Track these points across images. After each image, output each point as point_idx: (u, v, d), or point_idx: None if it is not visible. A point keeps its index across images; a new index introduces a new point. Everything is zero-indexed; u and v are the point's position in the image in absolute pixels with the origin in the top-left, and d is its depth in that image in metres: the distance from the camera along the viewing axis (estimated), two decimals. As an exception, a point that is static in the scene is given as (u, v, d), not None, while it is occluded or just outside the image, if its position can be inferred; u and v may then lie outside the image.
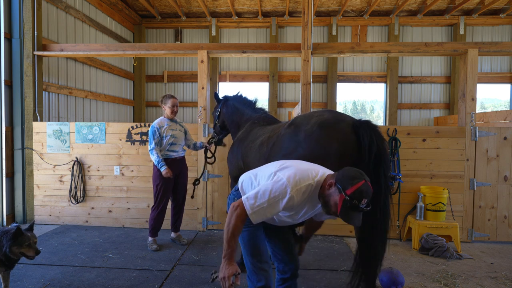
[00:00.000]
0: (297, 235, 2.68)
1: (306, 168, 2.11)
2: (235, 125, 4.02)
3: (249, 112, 3.91)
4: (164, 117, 4.37)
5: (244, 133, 3.67)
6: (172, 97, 4.34)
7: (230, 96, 4.17)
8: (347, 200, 1.89)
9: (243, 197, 2.02)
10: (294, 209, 2.07)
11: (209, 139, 4.42)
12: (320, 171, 2.11)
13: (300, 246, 2.65)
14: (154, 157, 4.19)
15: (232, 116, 4.04)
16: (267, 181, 2.07)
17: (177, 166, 4.36)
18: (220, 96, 4.28)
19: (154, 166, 4.27)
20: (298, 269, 2.40)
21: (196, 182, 4.46)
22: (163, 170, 4.14)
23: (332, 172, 2.12)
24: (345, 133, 2.73)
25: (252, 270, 2.28)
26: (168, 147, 4.27)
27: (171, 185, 4.32)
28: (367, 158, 2.63)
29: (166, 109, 4.32)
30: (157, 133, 4.22)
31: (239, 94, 4.14)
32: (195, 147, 4.54)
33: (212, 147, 4.55)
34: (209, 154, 4.58)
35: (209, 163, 4.60)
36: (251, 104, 4.01)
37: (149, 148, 4.23)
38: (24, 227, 2.87)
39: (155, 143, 4.20)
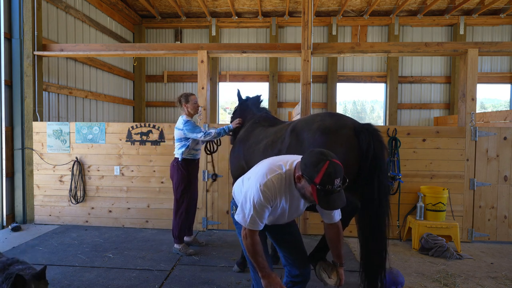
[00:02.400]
0: (330, 263, 2.43)
1: (274, 162, 2.13)
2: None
3: (253, 110, 3.96)
4: (186, 115, 4.22)
5: (245, 133, 3.69)
6: (192, 94, 4.31)
7: (250, 98, 4.19)
8: (319, 189, 1.82)
9: (235, 216, 2.13)
10: (276, 201, 2.06)
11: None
12: (289, 161, 2.09)
13: (338, 273, 2.33)
14: (212, 132, 4.01)
15: (240, 114, 4.10)
16: (246, 188, 2.12)
17: (197, 167, 4.37)
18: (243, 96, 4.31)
19: (174, 167, 4.16)
20: (310, 273, 2.36)
21: (214, 176, 4.56)
22: (232, 124, 4.03)
23: (299, 160, 2.07)
24: (348, 138, 2.72)
25: (255, 278, 2.28)
26: (194, 146, 4.22)
27: (193, 186, 4.29)
28: (364, 163, 2.64)
29: (189, 106, 4.23)
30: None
31: (258, 96, 4.15)
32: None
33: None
34: (214, 147, 4.53)
35: (212, 152, 4.50)
36: (256, 103, 4.06)
37: (200, 136, 4.01)
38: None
39: (200, 129, 4.07)
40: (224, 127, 4.09)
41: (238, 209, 2.10)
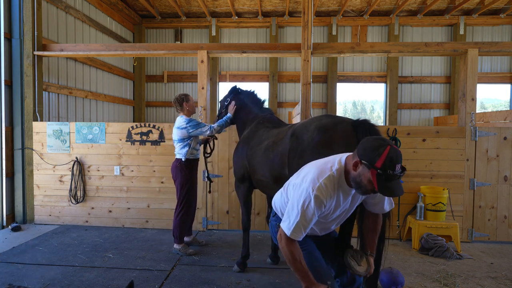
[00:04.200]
0: (359, 251, 2.24)
1: (322, 163, 2.02)
2: (241, 121, 4.07)
3: (255, 111, 3.96)
4: (185, 115, 4.23)
5: (249, 133, 3.72)
6: (189, 95, 4.33)
7: (243, 90, 4.18)
8: (380, 173, 1.73)
9: (280, 224, 1.99)
10: (327, 206, 1.94)
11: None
12: (337, 160, 1.99)
13: (368, 261, 2.16)
14: (215, 125, 4.05)
15: (240, 111, 4.08)
16: (293, 195, 1.99)
17: (197, 167, 4.37)
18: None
19: (177, 168, 4.16)
20: (361, 279, 2.25)
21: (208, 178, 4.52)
22: (229, 112, 4.09)
23: (348, 154, 1.99)
24: (346, 133, 2.74)
25: None
26: (195, 145, 4.23)
27: (195, 186, 4.30)
28: None
29: (189, 106, 4.24)
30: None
31: (252, 91, 4.16)
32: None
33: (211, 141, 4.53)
34: (208, 149, 4.52)
35: (206, 156, 4.51)
36: (259, 103, 4.05)
37: (206, 130, 4.05)
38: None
39: (205, 124, 4.12)
40: (225, 117, 4.10)
41: (284, 216, 1.97)
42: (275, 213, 2.28)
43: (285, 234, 1.91)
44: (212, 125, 4.09)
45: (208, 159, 4.93)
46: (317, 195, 1.86)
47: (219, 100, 4.43)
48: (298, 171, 2.16)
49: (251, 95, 4.11)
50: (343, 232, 2.78)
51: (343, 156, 2.00)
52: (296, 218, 1.88)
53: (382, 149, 1.75)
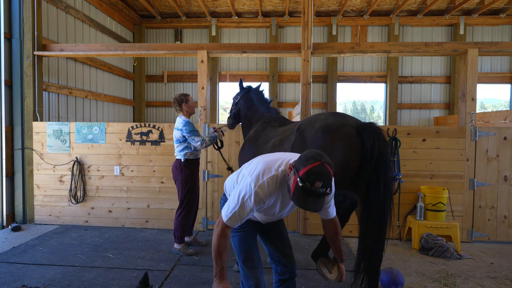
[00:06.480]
0: (330, 259, 2.48)
1: (272, 160, 2.07)
2: (247, 120, 4.09)
3: (262, 110, 3.98)
4: (184, 115, 4.24)
5: (255, 133, 3.74)
6: (188, 94, 4.33)
7: (253, 88, 4.20)
8: (298, 181, 1.77)
9: (222, 211, 2.06)
10: (265, 203, 2.01)
11: (223, 126, 4.57)
12: (285, 161, 2.03)
13: (339, 269, 2.38)
14: (206, 140, 4.10)
15: (247, 110, 4.10)
16: (239, 185, 2.06)
17: (198, 167, 4.38)
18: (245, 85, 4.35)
19: (177, 168, 4.16)
20: (296, 270, 2.38)
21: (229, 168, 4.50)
22: (222, 133, 4.27)
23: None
24: (350, 136, 2.75)
25: (244, 275, 2.27)
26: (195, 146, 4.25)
27: (196, 186, 4.31)
28: (369, 161, 2.65)
29: (188, 107, 4.23)
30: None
31: (260, 87, 4.20)
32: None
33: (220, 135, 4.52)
34: (219, 144, 4.51)
35: (217, 150, 4.51)
36: (265, 102, 4.07)
37: (197, 141, 4.05)
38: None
39: (198, 135, 4.13)
40: (213, 135, 4.23)
41: (226, 203, 2.04)
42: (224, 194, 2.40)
43: (223, 220, 2.00)
44: (204, 139, 4.11)
45: (208, 159, 4.96)
46: (257, 192, 1.94)
47: (233, 97, 4.42)
48: (251, 161, 2.21)
49: (260, 94, 4.14)
50: (322, 245, 2.86)
51: (292, 158, 2.04)
52: (235, 208, 1.96)
53: (310, 162, 1.78)
